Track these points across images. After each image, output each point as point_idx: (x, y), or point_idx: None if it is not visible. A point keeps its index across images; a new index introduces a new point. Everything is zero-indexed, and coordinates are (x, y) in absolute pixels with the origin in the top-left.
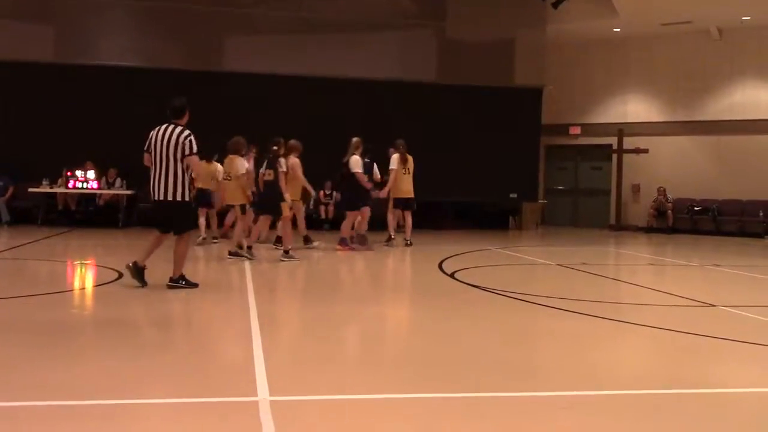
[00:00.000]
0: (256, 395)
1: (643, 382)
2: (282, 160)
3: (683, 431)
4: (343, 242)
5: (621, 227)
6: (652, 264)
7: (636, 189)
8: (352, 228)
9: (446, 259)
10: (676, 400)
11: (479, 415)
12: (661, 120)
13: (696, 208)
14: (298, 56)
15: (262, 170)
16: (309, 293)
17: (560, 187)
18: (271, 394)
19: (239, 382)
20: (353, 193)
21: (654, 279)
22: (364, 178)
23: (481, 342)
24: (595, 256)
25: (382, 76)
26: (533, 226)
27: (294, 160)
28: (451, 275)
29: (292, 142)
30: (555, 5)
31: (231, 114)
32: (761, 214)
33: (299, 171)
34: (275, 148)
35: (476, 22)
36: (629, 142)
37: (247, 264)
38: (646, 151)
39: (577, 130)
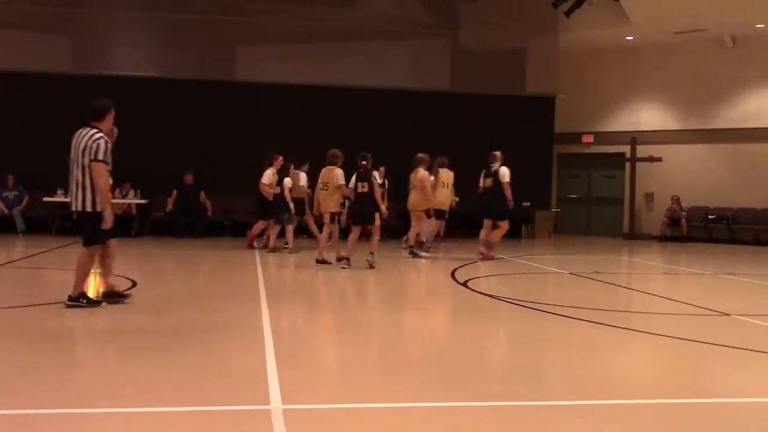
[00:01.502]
0: (269, 403)
1: (657, 391)
2: (376, 173)
3: None
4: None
5: (634, 236)
6: (665, 273)
7: (649, 197)
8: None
9: (459, 267)
10: (690, 409)
11: (496, 424)
12: (674, 128)
13: (710, 217)
14: (310, 66)
15: (352, 182)
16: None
17: (573, 196)
18: (284, 403)
19: (252, 390)
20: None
21: (667, 288)
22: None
23: (496, 350)
24: (608, 265)
25: (396, 85)
26: (546, 234)
27: (423, 173)
28: (464, 284)
29: (422, 155)
30: (567, 14)
31: (246, 123)
32: None
33: (428, 183)
34: (364, 162)
35: (489, 31)
36: (642, 151)
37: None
38: (659, 159)
39: (589, 139)
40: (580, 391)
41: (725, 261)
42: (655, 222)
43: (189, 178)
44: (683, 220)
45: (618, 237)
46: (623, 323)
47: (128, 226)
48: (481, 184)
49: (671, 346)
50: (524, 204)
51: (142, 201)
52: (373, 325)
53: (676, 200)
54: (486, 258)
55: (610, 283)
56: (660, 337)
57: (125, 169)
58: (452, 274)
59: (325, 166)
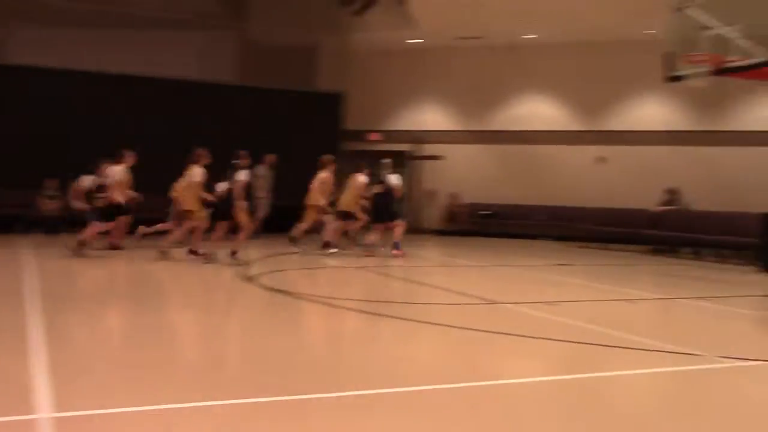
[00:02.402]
0: (36, 413)
1: (438, 377)
2: (243, 172)
3: (476, 422)
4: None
5: (416, 230)
6: (443, 265)
7: (431, 194)
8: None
9: (247, 263)
10: (469, 392)
11: (283, 419)
12: (455, 128)
13: (484, 212)
14: (90, 52)
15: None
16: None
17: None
18: (54, 411)
19: (17, 399)
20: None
21: (445, 279)
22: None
23: (281, 345)
24: (392, 259)
25: (180, 75)
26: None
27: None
28: (252, 279)
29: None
30: (356, 14)
31: (15, 109)
32: (541, 217)
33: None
34: (236, 160)
35: (279, 26)
36: (426, 149)
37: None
38: (441, 157)
39: (376, 137)
40: (366, 381)
41: (496, 253)
42: (436, 217)
43: None
44: (460, 215)
45: None
46: (405, 314)
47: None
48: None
49: (448, 334)
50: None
51: None
52: (159, 327)
53: (454, 196)
54: (400, 256)
55: (395, 276)
56: (438, 326)
57: None
58: (241, 272)
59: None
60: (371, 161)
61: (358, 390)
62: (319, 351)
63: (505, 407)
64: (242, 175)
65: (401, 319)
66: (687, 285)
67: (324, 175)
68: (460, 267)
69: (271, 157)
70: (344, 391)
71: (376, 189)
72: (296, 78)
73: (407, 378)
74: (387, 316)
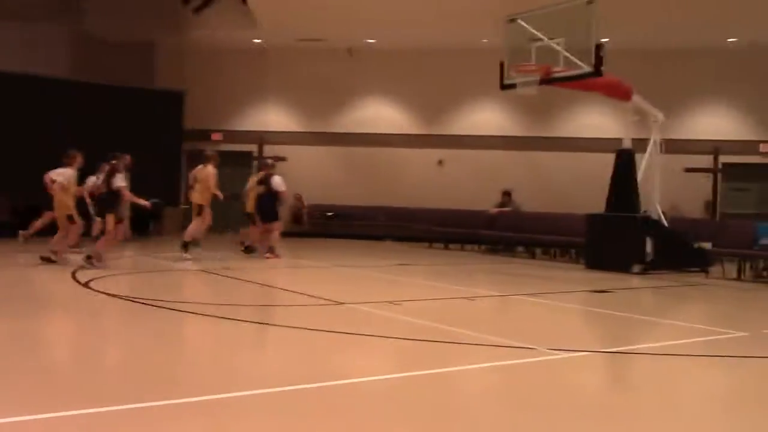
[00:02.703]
0: None
1: (284, 379)
2: (119, 175)
3: (322, 422)
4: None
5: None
6: (289, 267)
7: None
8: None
9: (82, 267)
10: (316, 393)
11: (124, 428)
12: (298, 130)
13: (329, 214)
14: None
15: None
16: None
17: None
18: None
19: None
20: None
21: (291, 280)
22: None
23: (119, 353)
24: (239, 261)
25: (8, 68)
26: (175, 231)
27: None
28: (86, 284)
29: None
30: (196, 11)
31: None
32: (383, 218)
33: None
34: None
35: (116, 20)
36: (270, 150)
37: None
38: (284, 159)
39: (218, 136)
40: (209, 387)
41: (340, 254)
42: (282, 217)
43: None
44: (305, 216)
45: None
46: (250, 316)
47: None
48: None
49: (294, 336)
50: (153, 201)
51: None
52: None
53: (299, 198)
54: (274, 257)
55: (240, 279)
56: (284, 327)
57: None
58: (73, 275)
59: None
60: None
61: (200, 396)
62: (158, 357)
63: (352, 406)
64: (120, 180)
65: (247, 322)
66: (521, 282)
67: (210, 171)
68: (305, 268)
69: (126, 158)
70: (186, 398)
71: (260, 190)
72: (134, 75)
73: (252, 381)
74: (231, 319)
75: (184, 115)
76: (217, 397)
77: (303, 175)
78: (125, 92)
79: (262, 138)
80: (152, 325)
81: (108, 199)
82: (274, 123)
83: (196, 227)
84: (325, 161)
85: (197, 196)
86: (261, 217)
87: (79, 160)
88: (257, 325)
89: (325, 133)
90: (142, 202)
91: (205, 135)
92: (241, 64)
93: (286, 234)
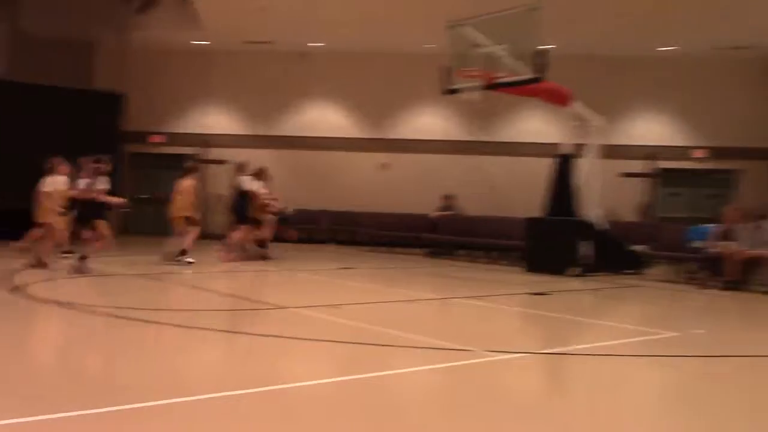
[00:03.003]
0: None
1: (222, 384)
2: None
3: (263, 428)
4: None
5: (205, 235)
6: (229, 270)
7: (219, 199)
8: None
9: (18, 271)
10: (256, 399)
11: None
12: (243, 133)
13: (286, 213)
14: None
15: None
16: None
17: (144, 196)
18: None
19: None
20: None
21: (231, 284)
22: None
23: (50, 360)
24: (180, 265)
25: None
26: (112, 235)
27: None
28: (16, 289)
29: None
30: (138, 11)
31: None
32: (327, 222)
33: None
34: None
35: (53, 18)
36: (214, 153)
37: None
38: (228, 162)
39: (159, 139)
40: (146, 393)
41: (287, 258)
42: (224, 222)
43: None
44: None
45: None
46: (187, 322)
47: None
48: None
49: (234, 341)
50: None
51: None
52: None
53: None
54: (235, 259)
55: (178, 283)
56: (223, 333)
57: None
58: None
59: None
60: (155, 164)
61: (137, 403)
62: (88, 363)
63: (292, 411)
64: (102, 182)
65: (185, 327)
66: (461, 285)
67: (188, 183)
68: (245, 272)
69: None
70: (123, 405)
71: (231, 191)
72: (72, 75)
73: (191, 387)
74: (170, 324)
75: (123, 117)
76: (154, 404)
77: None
78: (63, 93)
79: (205, 141)
80: (88, 331)
81: (94, 204)
82: (218, 125)
83: (191, 237)
84: (270, 164)
85: (179, 209)
86: (235, 218)
87: (61, 168)
88: (197, 330)
89: (269, 136)
90: (116, 200)
91: (144, 138)
92: (185, 66)
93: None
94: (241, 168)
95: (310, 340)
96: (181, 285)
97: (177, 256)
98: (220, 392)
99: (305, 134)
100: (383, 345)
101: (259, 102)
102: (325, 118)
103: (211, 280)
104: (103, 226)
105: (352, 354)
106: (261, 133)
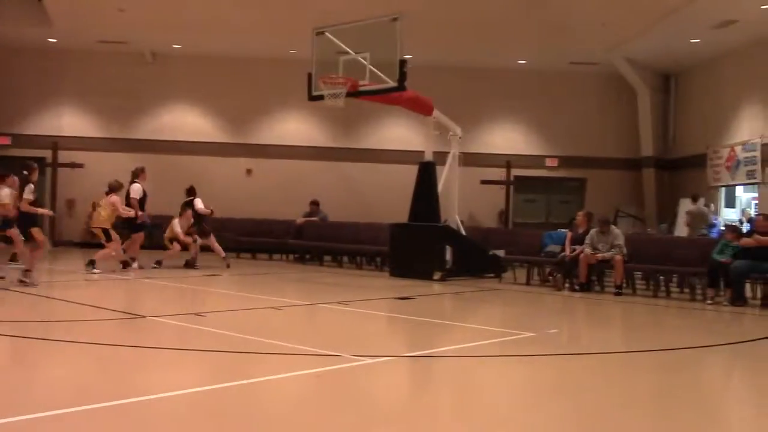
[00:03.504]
0: None
1: (80, 398)
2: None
3: None
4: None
5: (56, 243)
6: (85, 279)
7: (71, 204)
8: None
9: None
10: (116, 411)
11: None
12: (97, 135)
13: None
14: None
15: None
16: None
17: None
18: None
19: None
20: None
21: (87, 294)
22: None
23: None
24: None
25: None
26: None
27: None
28: None
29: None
30: None
31: None
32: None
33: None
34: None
35: None
36: (65, 156)
37: None
38: (81, 165)
39: (6, 141)
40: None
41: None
42: (77, 229)
43: None
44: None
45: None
46: (42, 334)
47: None
48: None
49: (92, 353)
50: None
51: None
52: None
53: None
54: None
55: (35, 295)
56: (80, 344)
57: None
58: None
59: None
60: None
61: None
62: None
63: (155, 423)
64: (29, 192)
65: (41, 339)
66: (328, 291)
67: (114, 198)
68: (100, 280)
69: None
70: None
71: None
72: None
73: (45, 402)
74: (23, 337)
75: None
76: (3, 421)
77: (102, 182)
78: None
79: (55, 143)
80: None
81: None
82: (70, 127)
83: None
84: (126, 168)
85: (101, 221)
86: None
87: (9, 179)
88: (49, 342)
89: (126, 139)
90: (43, 211)
91: None
92: (33, 64)
93: (86, 245)
94: (134, 174)
95: (172, 349)
96: (37, 296)
97: (88, 264)
98: (76, 407)
99: (164, 138)
100: (250, 352)
101: (115, 104)
102: (185, 121)
103: (66, 290)
104: (37, 232)
105: (218, 362)
106: (117, 136)
